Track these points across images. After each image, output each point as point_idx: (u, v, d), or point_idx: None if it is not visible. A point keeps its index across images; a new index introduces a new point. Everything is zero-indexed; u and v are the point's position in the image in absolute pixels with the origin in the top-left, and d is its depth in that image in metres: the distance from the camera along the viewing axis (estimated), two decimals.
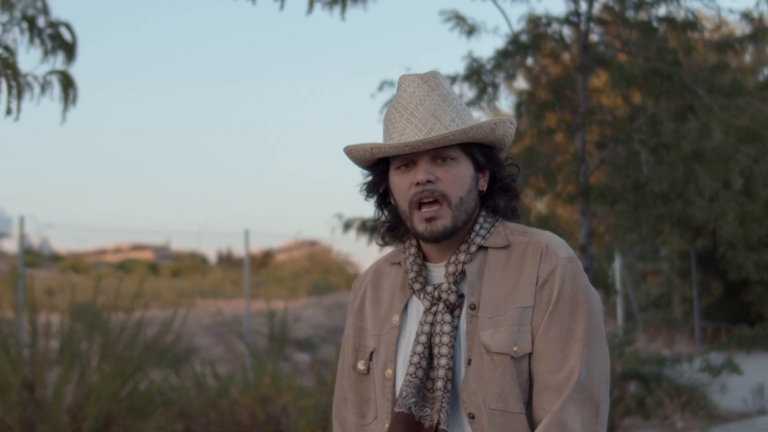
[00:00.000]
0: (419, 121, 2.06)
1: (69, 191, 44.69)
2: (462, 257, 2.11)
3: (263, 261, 32.29)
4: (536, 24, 10.03)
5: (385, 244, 2.25)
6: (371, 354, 2.19)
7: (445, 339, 2.05)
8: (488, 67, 10.28)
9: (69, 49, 5.69)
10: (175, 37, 48.23)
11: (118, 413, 5.57)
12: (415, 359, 2.06)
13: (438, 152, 2.07)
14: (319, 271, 30.76)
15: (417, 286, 2.13)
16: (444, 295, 2.09)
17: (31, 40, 5.72)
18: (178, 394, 7.07)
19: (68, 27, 5.64)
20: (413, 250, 2.19)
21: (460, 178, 2.09)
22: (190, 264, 30.98)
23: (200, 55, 49.52)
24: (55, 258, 29.83)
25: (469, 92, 10.75)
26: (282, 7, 6.07)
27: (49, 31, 5.66)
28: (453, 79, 10.79)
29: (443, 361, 2.04)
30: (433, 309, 2.09)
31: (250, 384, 7.52)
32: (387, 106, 1.81)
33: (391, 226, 2.22)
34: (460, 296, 2.10)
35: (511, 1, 10.14)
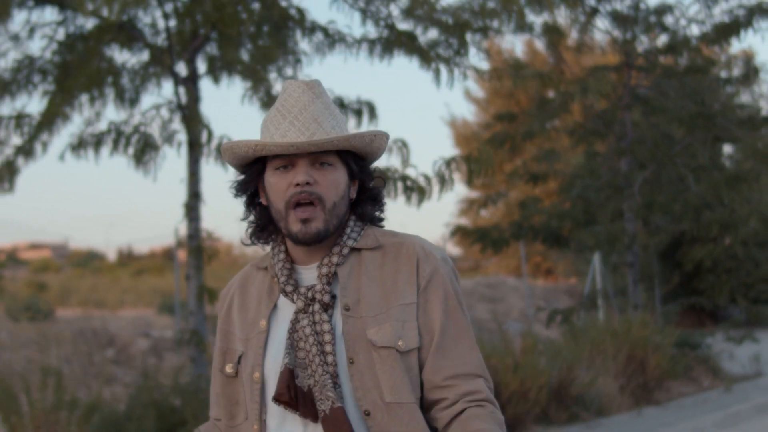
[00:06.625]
0: (302, 125, 2.11)
1: None
2: (335, 259, 2.16)
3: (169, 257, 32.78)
4: (596, 71, 12.72)
5: (251, 243, 2.25)
6: (240, 357, 2.22)
7: (327, 338, 2.10)
8: (553, 105, 12.93)
9: (365, 116, 8.14)
10: None
11: None
12: (317, 360, 2.08)
13: (318, 157, 2.13)
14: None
15: (289, 288, 2.16)
16: (318, 296, 2.12)
17: (344, 113, 8.14)
18: None
19: (370, 104, 8.10)
20: (282, 255, 2.21)
21: (336, 184, 2.14)
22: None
23: None
24: None
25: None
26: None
27: (355, 105, 8.09)
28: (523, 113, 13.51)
29: (329, 359, 2.09)
30: (310, 309, 2.12)
31: None
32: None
33: (259, 227, 2.23)
34: (333, 297, 2.13)
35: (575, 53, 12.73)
